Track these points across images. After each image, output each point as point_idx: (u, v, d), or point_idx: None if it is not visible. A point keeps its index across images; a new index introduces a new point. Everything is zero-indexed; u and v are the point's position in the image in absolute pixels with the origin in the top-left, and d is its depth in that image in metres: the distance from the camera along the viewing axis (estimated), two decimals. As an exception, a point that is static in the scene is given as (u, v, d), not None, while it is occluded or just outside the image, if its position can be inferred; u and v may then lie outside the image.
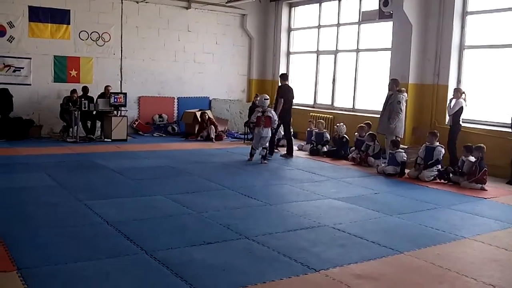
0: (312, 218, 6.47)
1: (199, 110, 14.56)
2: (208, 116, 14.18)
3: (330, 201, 7.50)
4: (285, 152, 11.64)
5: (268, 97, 10.89)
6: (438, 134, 9.64)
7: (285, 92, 11.43)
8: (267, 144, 10.67)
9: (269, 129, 10.58)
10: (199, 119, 14.10)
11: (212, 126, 13.89)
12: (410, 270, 4.85)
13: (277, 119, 10.69)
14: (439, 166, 9.35)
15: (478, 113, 10.79)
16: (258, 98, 11.11)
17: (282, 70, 16.08)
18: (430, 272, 4.80)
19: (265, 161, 10.57)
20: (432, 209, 7.26)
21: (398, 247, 5.41)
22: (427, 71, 11.52)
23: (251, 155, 10.73)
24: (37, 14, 13.09)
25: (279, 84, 11.87)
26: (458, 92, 10.20)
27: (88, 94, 13.01)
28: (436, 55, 11.31)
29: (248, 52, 16.60)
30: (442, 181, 9.20)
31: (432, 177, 9.27)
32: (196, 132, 14.08)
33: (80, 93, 12.90)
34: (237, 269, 4.65)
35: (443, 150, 9.44)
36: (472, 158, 8.88)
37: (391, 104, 10.56)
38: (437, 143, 9.51)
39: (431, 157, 9.37)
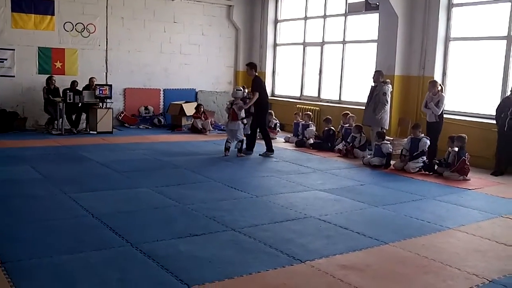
0: (298, 210, 6.49)
1: (185, 102, 14.50)
2: (204, 109, 14.12)
3: (316, 193, 7.53)
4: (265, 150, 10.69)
5: (241, 88, 10.50)
6: (420, 125, 9.68)
7: (260, 87, 10.53)
8: (241, 137, 10.31)
9: (237, 122, 10.17)
10: (195, 111, 14.01)
11: (208, 120, 13.88)
12: (395, 260, 4.88)
13: (242, 114, 10.14)
14: (425, 158, 9.42)
15: (464, 105, 10.87)
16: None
17: (269, 62, 16.10)
18: (415, 262, 4.84)
19: (241, 154, 10.37)
20: (417, 200, 7.32)
21: (383, 238, 5.45)
22: (413, 63, 11.55)
23: (226, 148, 10.30)
24: (20, 5, 12.87)
25: (254, 75, 10.62)
26: (435, 87, 9.84)
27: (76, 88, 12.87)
28: (422, 47, 11.34)
29: (235, 44, 16.52)
30: (427, 172, 9.28)
31: (418, 169, 9.34)
32: (191, 123, 14.00)
33: (67, 86, 12.75)
34: (223, 261, 4.65)
35: (428, 142, 9.48)
36: (456, 148, 8.97)
37: (376, 95, 10.58)
38: (422, 135, 9.56)
39: (416, 148, 9.43)
